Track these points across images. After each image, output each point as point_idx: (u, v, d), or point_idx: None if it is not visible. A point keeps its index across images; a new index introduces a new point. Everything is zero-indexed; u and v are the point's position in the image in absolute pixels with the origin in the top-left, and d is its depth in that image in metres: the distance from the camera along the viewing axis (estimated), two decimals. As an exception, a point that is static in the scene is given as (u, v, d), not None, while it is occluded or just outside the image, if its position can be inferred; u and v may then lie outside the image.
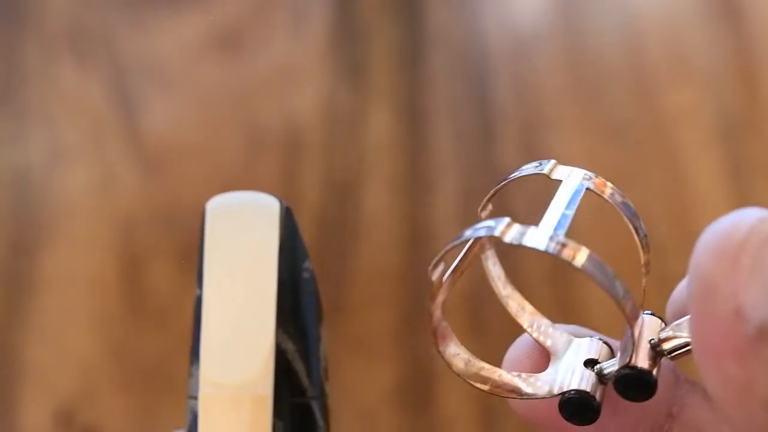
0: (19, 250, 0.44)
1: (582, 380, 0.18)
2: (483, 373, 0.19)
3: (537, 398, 0.18)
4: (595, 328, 0.20)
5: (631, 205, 0.19)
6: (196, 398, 0.21)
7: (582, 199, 0.19)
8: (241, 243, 0.22)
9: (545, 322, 0.20)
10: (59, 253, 0.44)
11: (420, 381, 0.41)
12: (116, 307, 0.43)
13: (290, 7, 0.49)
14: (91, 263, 0.44)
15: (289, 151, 0.46)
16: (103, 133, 0.47)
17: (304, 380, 0.22)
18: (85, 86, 0.48)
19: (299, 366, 0.22)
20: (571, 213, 0.18)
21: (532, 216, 0.49)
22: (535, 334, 0.19)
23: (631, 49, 0.48)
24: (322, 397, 0.22)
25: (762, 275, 0.15)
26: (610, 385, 0.17)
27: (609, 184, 0.20)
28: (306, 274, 0.23)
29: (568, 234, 0.17)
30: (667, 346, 0.17)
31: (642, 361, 0.17)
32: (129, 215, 0.45)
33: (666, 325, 0.18)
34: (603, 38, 0.48)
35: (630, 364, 0.17)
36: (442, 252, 0.18)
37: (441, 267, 0.18)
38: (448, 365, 0.18)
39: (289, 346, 0.22)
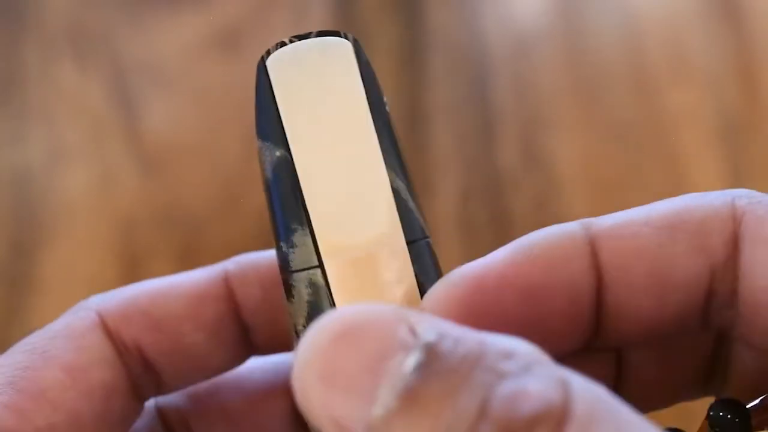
0: (19, 250, 0.44)
1: None
2: None
3: None
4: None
5: None
6: (304, 270, 0.19)
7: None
8: (321, 89, 0.20)
9: None
10: (59, 253, 0.44)
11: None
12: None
13: (290, 7, 0.49)
14: (91, 263, 0.44)
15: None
16: (103, 133, 0.47)
17: (420, 218, 0.20)
18: (85, 86, 0.48)
19: (413, 204, 0.20)
20: None
21: (531, 216, 0.49)
22: None
23: (631, 49, 0.48)
24: (430, 237, 0.20)
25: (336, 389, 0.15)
26: None
27: None
28: (387, 108, 0.21)
29: None
30: None
31: None
32: (129, 215, 0.45)
33: None
34: (603, 38, 0.48)
35: None
36: None
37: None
38: None
39: (400, 185, 0.20)
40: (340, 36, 0.20)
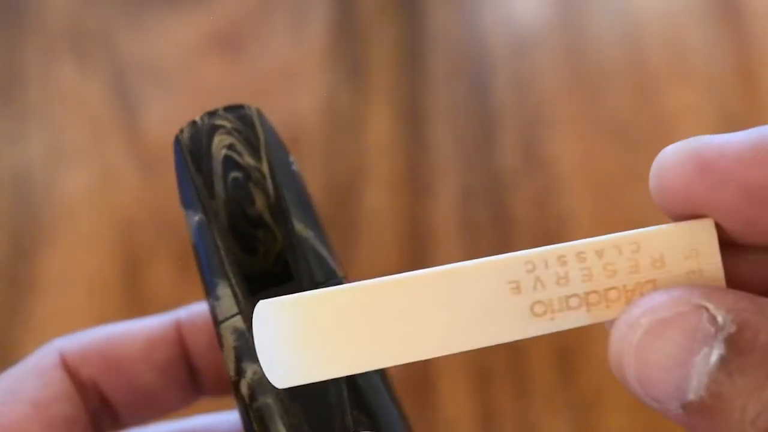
0: (19, 250, 0.44)
1: None
2: None
3: None
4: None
5: None
6: (228, 319, 0.21)
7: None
8: None
9: None
10: (59, 253, 0.44)
11: (420, 381, 0.41)
12: (116, 307, 0.43)
13: (290, 7, 0.49)
14: (91, 263, 0.44)
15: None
16: (103, 133, 0.47)
17: (332, 262, 0.22)
18: (85, 86, 0.48)
19: (323, 251, 0.22)
20: None
21: (531, 216, 0.49)
22: None
23: (631, 48, 0.48)
24: (345, 276, 0.22)
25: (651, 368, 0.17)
26: None
27: None
28: (294, 167, 0.23)
29: None
30: None
31: None
32: (129, 215, 0.45)
33: None
34: (603, 38, 0.48)
35: None
36: None
37: None
38: None
39: (309, 234, 0.22)
40: (244, 109, 0.23)
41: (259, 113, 0.23)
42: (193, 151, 0.24)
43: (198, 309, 0.26)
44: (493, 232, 0.43)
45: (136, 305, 0.43)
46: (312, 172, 0.45)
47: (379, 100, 0.47)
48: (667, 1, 0.49)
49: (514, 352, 0.40)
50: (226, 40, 0.49)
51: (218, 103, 0.24)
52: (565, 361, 0.40)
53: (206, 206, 0.23)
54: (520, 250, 0.18)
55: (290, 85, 0.48)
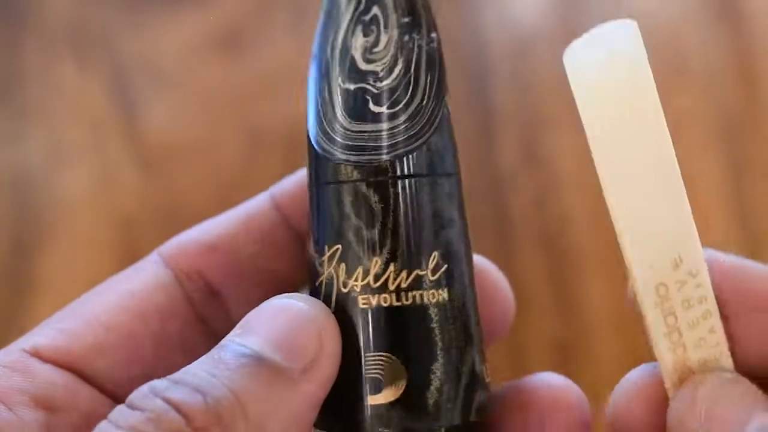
0: (19, 250, 0.44)
1: None
2: None
3: None
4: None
5: None
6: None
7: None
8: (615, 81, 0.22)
9: None
10: (59, 253, 0.44)
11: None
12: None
13: (290, 7, 0.49)
14: (91, 263, 0.44)
15: (289, 151, 0.46)
16: (103, 133, 0.47)
17: None
18: (85, 86, 0.48)
19: None
20: None
21: (531, 216, 0.49)
22: None
23: (631, 49, 0.48)
24: None
25: None
26: None
27: None
28: None
29: None
30: None
31: None
32: (129, 215, 0.45)
33: None
34: (603, 38, 0.48)
35: None
36: None
37: None
38: None
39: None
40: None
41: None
42: None
43: (288, 180, 0.26)
44: (493, 232, 0.43)
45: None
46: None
47: (379, 100, 0.47)
48: (667, 1, 0.49)
49: (514, 351, 0.40)
50: (226, 39, 0.49)
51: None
52: (564, 361, 0.40)
53: None
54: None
55: (290, 84, 0.48)
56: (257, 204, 0.25)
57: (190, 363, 0.20)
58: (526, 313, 0.41)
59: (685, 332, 0.21)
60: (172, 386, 0.19)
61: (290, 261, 0.25)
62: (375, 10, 0.23)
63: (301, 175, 0.25)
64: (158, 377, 0.20)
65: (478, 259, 0.25)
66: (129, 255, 0.44)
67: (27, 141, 0.47)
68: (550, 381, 0.25)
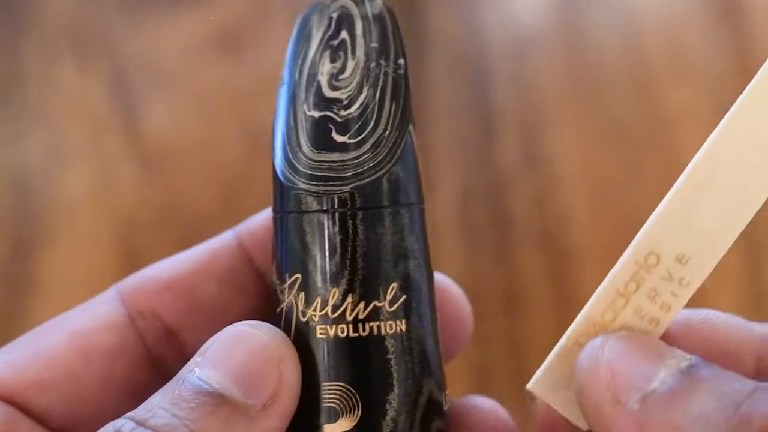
0: (19, 250, 0.44)
1: None
2: None
3: None
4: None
5: None
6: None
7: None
8: None
9: None
10: (59, 253, 0.44)
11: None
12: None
13: (290, 7, 0.49)
14: (91, 263, 0.44)
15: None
16: (103, 133, 0.47)
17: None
18: (85, 86, 0.48)
19: None
20: None
21: (531, 216, 0.49)
22: None
23: (631, 48, 0.48)
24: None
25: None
26: None
27: None
28: None
29: None
30: None
31: None
32: (129, 215, 0.45)
33: None
34: (603, 38, 0.48)
35: None
36: None
37: None
38: None
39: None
40: None
41: None
42: None
43: (254, 219, 0.25)
44: (493, 231, 0.43)
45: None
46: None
47: (379, 100, 0.47)
48: (667, 1, 0.49)
49: (514, 351, 0.40)
50: (225, 40, 0.49)
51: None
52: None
53: None
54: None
55: (290, 85, 0.48)
56: (221, 242, 0.25)
57: (138, 404, 0.20)
58: (526, 313, 0.41)
59: (630, 307, 0.21)
60: (137, 429, 0.19)
61: (251, 301, 0.25)
62: (344, 34, 0.23)
63: (267, 214, 0.25)
64: (106, 417, 0.20)
65: (438, 277, 0.24)
66: (129, 255, 0.44)
67: (27, 141, 0.47)
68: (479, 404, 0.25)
